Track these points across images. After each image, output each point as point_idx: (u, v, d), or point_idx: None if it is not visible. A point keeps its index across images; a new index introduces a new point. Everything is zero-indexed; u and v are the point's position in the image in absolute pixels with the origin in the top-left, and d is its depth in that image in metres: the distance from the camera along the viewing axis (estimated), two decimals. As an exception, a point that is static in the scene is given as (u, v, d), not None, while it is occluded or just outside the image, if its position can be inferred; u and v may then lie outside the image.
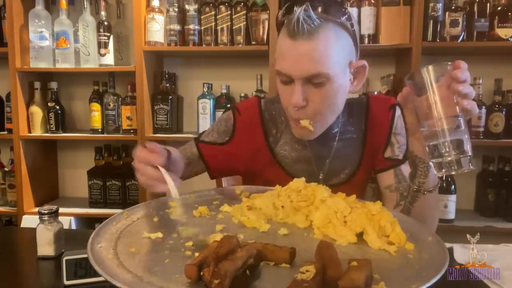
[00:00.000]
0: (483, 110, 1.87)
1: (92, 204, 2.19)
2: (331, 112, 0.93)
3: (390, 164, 1.01)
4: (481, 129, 1.87)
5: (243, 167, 1.06)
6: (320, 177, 1.02)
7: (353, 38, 0.89)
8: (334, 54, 0.84)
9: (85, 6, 2.06)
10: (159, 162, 0.76)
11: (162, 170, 0.76)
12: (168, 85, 2.11)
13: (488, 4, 1.86)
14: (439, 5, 1.83)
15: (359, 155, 1.03)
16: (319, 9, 0.83)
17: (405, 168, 0.98)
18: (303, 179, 0.84)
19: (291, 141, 1.03)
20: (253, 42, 1.98)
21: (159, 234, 0.68)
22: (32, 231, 0.87)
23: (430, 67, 0.68)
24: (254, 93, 2.05)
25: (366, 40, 1.92)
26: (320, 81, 0.85)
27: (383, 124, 1.02)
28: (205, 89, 2.08)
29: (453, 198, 1.91)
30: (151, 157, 0.76)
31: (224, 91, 2.06)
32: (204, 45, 2.02)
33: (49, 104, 2.14)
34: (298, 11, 0.82)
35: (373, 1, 1.90)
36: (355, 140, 1.03)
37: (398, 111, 1.02)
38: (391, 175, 1.00)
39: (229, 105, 2.01)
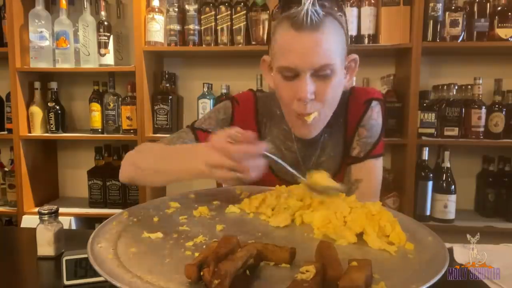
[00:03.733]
0: (483, 110, 1.87)
1: (92, 204, 2.19)
2: (332, 108, 0.94)
3: (349, 161, 1.01)
4: (481, 129, 1.87)
5: None
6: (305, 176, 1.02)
7: (346, 35, 0.92)
8: (336, 46, 0.87)
9: (85, 6, 2.06)
10: (264, 149, 0.72)
11: (269, 155, 0.72)
12: (168, 85, 2.11)
13: (488, 4, 1.87)
14: (439, 5, 1.83)
15: (341, 152, 1.03)
16: (323, 3, 0.85)
17: (359, 167, 0.99)
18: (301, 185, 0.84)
19: (279, 136, 1.04)
20: (253, 42, 1.97)
21: (159, 234, 0.68)
22: (32, 231, 0.87)
23: None
24: (254, 93, 2.05)
25: (366, 40, 1.92)
26: (326, 73, 0.86)
27: (356, 119, 1.02)
28: (205, 89, 2.08)
29: (453, 198, 1.91)
30: (254, 149, 0.71)
31: (224, 91, 2.06)
32: (204, 45, 2.02)
33: (49, 104, 2.14)
34: (307, 3, 0.83)
35: (373, 1, 1.90)
36: (337, 136, 1.03)
37: (374, 104, 1.01)
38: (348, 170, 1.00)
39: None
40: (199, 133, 1.04)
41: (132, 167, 0.92)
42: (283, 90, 0.91)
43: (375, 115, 1.01)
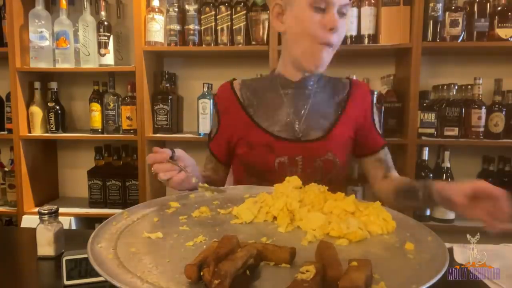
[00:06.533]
0: (483, 110, 1.87)
1: (92, 204, 2.19)
2: (337, 48, 1.07)
3: (383, 144, 1.17)
4: (481, 129, 1.87)
5: (235, 137, 1.15)
6: (297, 128, 1.10)
7: None
8: None
9: (85, 6, 2.05)
10: (165, 156, 0.90)
11: (170, 160, 0.91)
12: (168, 85, 2.11)
13: (488, 4, 1.86)
14: (439, 5, 1.83)
15: (337, 115, 1.14)
16: None
17: (386, 151, 1.18)
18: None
19: (270, 104, 1.14)
20: (253, 42, 1.98)
21: (159, 234, 0.68)
22: (32, 231, 0.87)
23: None
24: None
25: (366, 40, 1.92)
26: (345, 10, 1.02)
27: (365, 104, 1.17)
28: (205, 89, 2.08)
29: (453, 198, 1.90)
30: (157, 156, 0.91)
31: (224, 91, 2.06)
32: (204, 45, 2.01)
33: (49, 104, 2.14)
34: None
35: (373, 1, 1.90)
36: (334, 102, 1.16)
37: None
38: (382, 152, 1.18)
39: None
40: (210, 144, 1.20)
41: None
42: (310, 22, 1.01)
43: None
